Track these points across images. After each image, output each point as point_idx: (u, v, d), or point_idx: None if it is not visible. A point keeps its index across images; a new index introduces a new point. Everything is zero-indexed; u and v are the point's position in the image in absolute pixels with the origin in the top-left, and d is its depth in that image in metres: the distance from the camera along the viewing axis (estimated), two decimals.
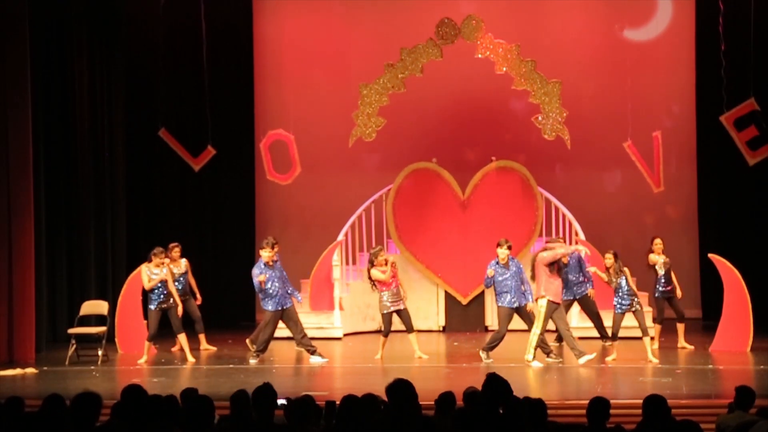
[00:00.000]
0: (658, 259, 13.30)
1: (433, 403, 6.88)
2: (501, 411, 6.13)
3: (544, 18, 17.08)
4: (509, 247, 12.63)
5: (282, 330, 13.10)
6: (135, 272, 13.47)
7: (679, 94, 16.96)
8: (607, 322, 13.04)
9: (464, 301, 15.38)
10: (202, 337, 13.82)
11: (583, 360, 12.01)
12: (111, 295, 14.51)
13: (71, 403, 5.84)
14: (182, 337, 13.14)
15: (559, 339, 13.52)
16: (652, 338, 12.78)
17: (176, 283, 13.31)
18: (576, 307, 13.61)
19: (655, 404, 6.34)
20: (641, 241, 14.32)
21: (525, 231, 15.19)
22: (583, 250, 12.81)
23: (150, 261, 13.02)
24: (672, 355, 12.73)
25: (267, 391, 6.10)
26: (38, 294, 13.18)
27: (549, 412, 6.36)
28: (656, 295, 13.40)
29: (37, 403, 6.05)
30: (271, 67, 17.39)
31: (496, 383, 6.31)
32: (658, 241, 13.40)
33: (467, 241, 15.29)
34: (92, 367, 12.50)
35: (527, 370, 11.92)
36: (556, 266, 12.39)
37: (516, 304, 12.49)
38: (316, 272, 14.98)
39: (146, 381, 11.18)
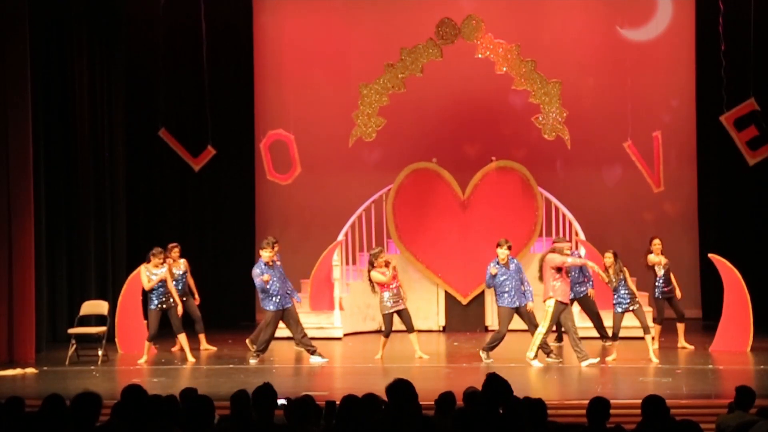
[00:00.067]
0: (657, 259, 13.30)
1: (433, 403, 6.88)
2: (501, 411, 6.13)
3: (544, 18, 17.09)
4: (509, 247, 12.63)
5: (282, 330, 13.09)
6: (135, 272, 13.47)
7: (679, 94, 16.96)
8: (607, 322, 13.04)
9: (464, 301, 15.38)
10: (202, 337, 13.82)
11: (585, 363, 12.00)
12: (111, 295, 14.51)
13: (71, 403, 5.84)
14: (182, 337, 13.14)
15: (559, 339, 13.53)
16: (653, 338, 12.77)
17: (175, 283, 13.30)
18: (576, 307, 13.60)
19: (654, 404, 6.34)
20: (641, 241, 14.32)
21: (525, 231, 15.19)
22: (591, 265, 12.71)
23: (149, 261, 13.02)
24: (672, 355, 12.73)
25: (267, 391, 6.10)
26: (38, 294, 13.18)
27: (549, 412, 6.36)
28: (656, 295, 13.39)
29: (37, 403, 6.04)
30: (271, 67, 17.39)
31: (496, 383, 6.31)
32: (657, 241, 13.39)
33: (467, 241, 15.29)
34: (92, 367, 12.50)
35: (527, 370, 11.92)
36: (564, 268, 12.35)
37: (516, 304, 12.49)
38: (316, 272, 14.98)
39: (146, 381, 11.18)
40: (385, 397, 6.24)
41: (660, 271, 13.29)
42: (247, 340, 13.41)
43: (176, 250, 13.69)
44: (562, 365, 12.32)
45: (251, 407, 6.18)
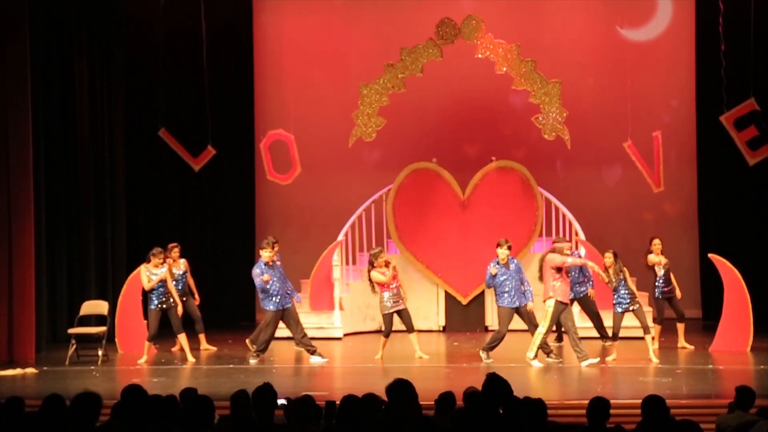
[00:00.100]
0: (657, 259, 13.29)
1: (433, 403, 6.88)
2: (501, 411, 6.13)
3: (544, 18, 17.09)
4: (509, 247, 12.63)
5: (282, 330, 13.09)
6: (135, 272, 13.47)
7: (679, 94, 16.96)
8: (607, 322, 13.04)
9: (464, 301, 15.37)
10: (202, 337, 13.82)
11: (585, 363, 11.99)
12: (111, 295, 14.51)
13: (71, 403, 5.84)
14: (182, 337, 13.14)
15: (559, 339, 13.53)
16: (653, 338, 12.77)
17: (175, 283, 13.30)
18: (576, 307, 13.60)
19: (653, 404, 6.34)
20: (641, 241, 14.32)
21: (525, 231, 15.19)
22: (591, 265, 12.70)
23: (149, 261, 13.02)
24: (672, 355, 12.73)
25: (267, 391, 6.11)
26: (38, 294, 13.18)
27: (549, 412, 6.36)
28: (656, 295, 13.38)
29: (37, 403, 6.04)
30: (271, 67, 17.39)
31: (496, 383, 6.31)
32: (656, 241, 13.39)
33: (467, 241, 15.29)
34: (92, 367, 12.50)
35: (527, 370, 11.92)
36: (564, 268, 12.35)
37: (516, 304, 12.49)
38: (316, 272, 14.98)
39: (146, 381, 11.18)
40: (385, 397, 6.24)
41: (660, 272, 13.29)
42: (247, 340, 13.41)
43: (176, 250, 13.69)
44: (562, 365, 12.32)
45: (251, 407, 6.18)
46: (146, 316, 13.26)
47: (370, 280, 12.86)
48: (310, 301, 14.98)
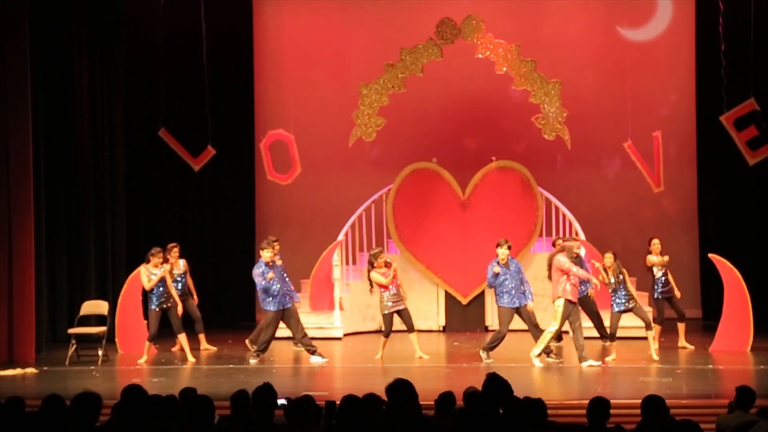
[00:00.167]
0: (656, 260, 13.29)
1: (433, 403, 6.88)
2: (501, 411, 6.13)
3: (544, 18, 17.09)
4: (509, 247, 12.63)
5: (282, 330, 13.09)
6: (135, 272, 13.47)
7: (679, 94, 16.96)
8: (607, 322, 13.03)
9: (464, 301, 15.37)
10: (202, 337, 13.82)
11: (586, 364, 11.98)
12: (111, 295, 14.51)
13: (71, 403, 5.84)
14: (182, 337, 13.14)
15: (558, 339, 13.52)
16: (654, 337, 12.76)
17: (175, 284, 13.31)
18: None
19: (654, 404, 6.34)
20: (641, 241, 14.31)
21: (525, 231, 15.19)
22: (595, 282, 12.66)
23: (148, 262, 13.02)
24: (672, 355, 12.73)
25: (267, 391, 6.11)
26: (38, 294, 13.18)
27: (549, 412, 6.35)
28: (656, 296, 13.38)
29: (37, 403, 6.04)
30: (271, 67, 17.39)
31: (496, 383, 6.31)
32: (655, 241, 13.39)
33: (467, 241, 15.29)
34: (92, 367, 12.50)
35: (527, 370, 11.91)
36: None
37: (516, 304, 12.49)
38: (316, 272, 14.98)
39: (146, 381, 11.18)
40: (385, 397, 6.24)
41: (659, 272, 13.28)
42: (247, 341, 13.41)
43: (175, 250, 13.68)
44: (562, 365, 12.31)
45: (251, 407, 6.18)
46: (146, 316, 13.26)
47: (369, 280, 12.86)
48: (310, 301, 14.98)
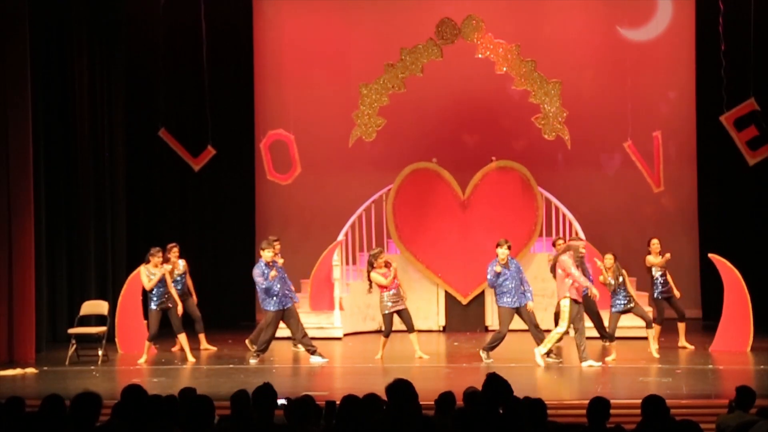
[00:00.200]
0: (656, 260, 13.29)
1: (433, 403, 6.88)
2: (501, 411, 6.13)
3: (544, 18, 17.09)
4: (509, 247, 12.63)
5: (282, 330, 13.09)
6: (135, 272, 13.47)
7: (679, 94, 16.97)
8: (607, 322, 13.03)
9: (464, 301, 15.37)
10: (202, 337, 13.82)
11: (586, 364, 11.98)
12: (111, 295, 14.51)
13: (71, 403, 5.84)
14: (182, 337, 13.14)
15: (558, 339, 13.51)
16: (654, 337, 12.76)
17: (174, 284, 13.31)
18: None
19: (654, 404, 6.34)
20: (641, 241, 14.31)
21: (525, 231, 15.19)
22: (594, 292, 12.64)
23: (148, 262, 13.02)
24: (672, 355, 12.73)
25: (267, 391, 6.11)
26: (38, 294, 13.18)
27: (549, 412, 6.35)
28: (655, 296, 13.38)
29: (37, 403, 6.04)
30: (271, 67, 17.40)
31: (496, 383, 6.31)
32: (654, 241, 13.39)
33: (467, 241, 15.29)
34: (92, 367, 12.50)
35: (527, 370, 11.91)
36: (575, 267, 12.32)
37: (516, 304, 12.49)
38: (316, 272, 14.98)
39: (146, 381, 11.18)
40: (385, 397, 6.24)
41: (658, 272, 13.28)
42: (247, 341, 13.41)
43: (175, 250, 13.68)
44: (562, 365, 12.31)
45: (251, 407, 6.18)
46: (146, 316, 13.26)
47: (369, 280, 12.86)
48: (310, 301, 14.99)
